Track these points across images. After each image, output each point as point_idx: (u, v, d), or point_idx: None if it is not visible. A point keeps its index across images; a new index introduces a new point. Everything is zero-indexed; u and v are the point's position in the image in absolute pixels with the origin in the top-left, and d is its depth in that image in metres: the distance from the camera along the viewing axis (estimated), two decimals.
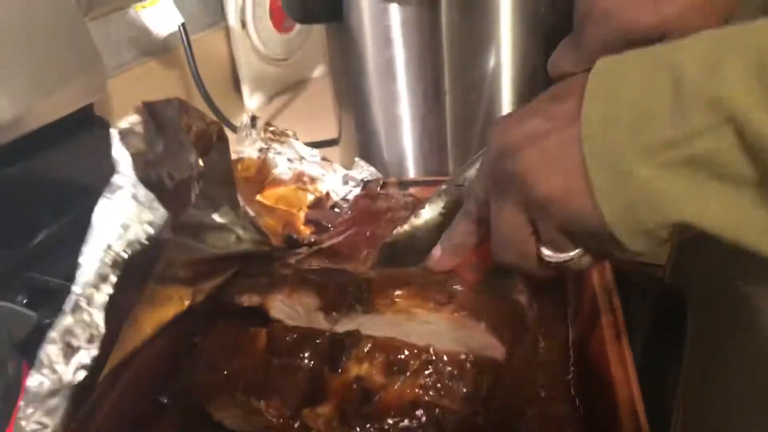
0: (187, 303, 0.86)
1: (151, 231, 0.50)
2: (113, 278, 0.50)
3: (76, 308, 0.49)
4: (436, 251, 0.76)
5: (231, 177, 0.86)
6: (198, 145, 0.76)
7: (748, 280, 0.92)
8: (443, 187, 0.82)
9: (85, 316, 0.50)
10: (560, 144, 0.49)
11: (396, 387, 0.69)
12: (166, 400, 0.79)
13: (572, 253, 0.54)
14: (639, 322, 0.94)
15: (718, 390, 0.95)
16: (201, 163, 0.76)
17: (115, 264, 0.50)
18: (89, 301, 0.49)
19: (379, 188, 1.08)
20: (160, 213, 0.51)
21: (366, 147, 1.22)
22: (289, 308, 0.85)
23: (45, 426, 0.50)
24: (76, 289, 0.50)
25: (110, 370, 0.78)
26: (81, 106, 1.16)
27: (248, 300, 0.89)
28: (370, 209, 1.01)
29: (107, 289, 0.50)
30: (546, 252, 0.55)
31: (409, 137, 1.15)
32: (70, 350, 0.50)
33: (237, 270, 0.97)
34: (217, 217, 0.98)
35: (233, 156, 1.15)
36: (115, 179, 0.51)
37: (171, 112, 0.65)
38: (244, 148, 1.13)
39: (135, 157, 0.52)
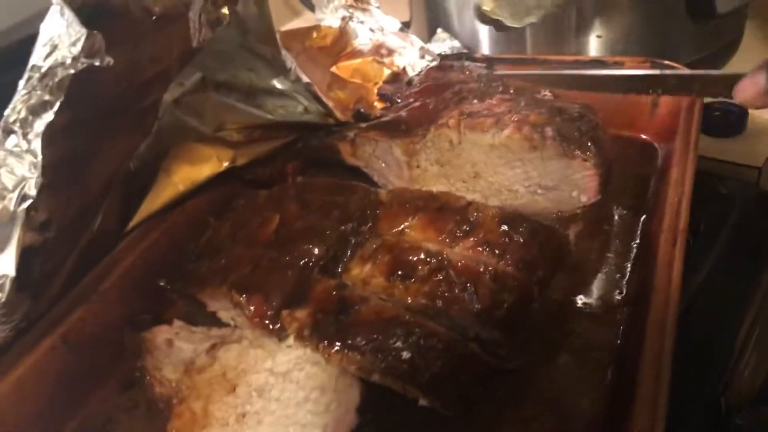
0: (225, 164, 0.80)
1: (77, 52, 0.44)
2: (57, 105, 0.46)
3: (8, 132, 0.46)
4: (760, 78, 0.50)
5: (273, 33, 0.79)
6: None
7: None
8: None
9: (22, 142, 0.46)
10: None
11: (395, 294, 0.59)
12: (163, 284, 0.74)
13: None
14: (723, 226, 0.77)
15: None
16: (226, 11, 0.70)
17: (53, 89, 0.45)
18: (23, 126, 0.45)
19: (458, 62, 0.95)
20: (82, 34, 0.43)
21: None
22: None
23: None
24: (6, 111, 0.46)
25: (139, 223, 0.77)
26: None
27: None
28: (439, 82, 0.89)
29: (49, 117, 0.46)
30: None
31: None
32: (14, 177, 0.47)
33: (293, 140, 0.92)
34: (277, 83, 0.92)
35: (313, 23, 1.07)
36: None
37: None
38: (326, 15, 1.04)
39: None
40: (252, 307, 0.61)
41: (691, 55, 0.89)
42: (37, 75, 0.45)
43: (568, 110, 0.75)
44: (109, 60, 0.45)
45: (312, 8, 1.07)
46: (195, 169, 0.78)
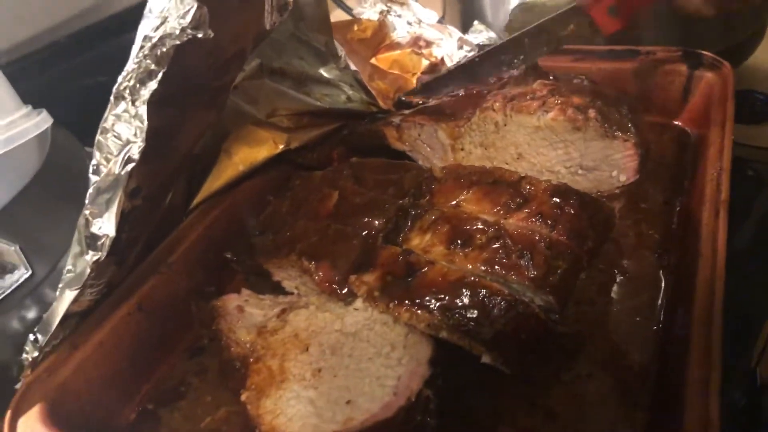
0: (281, 147, 0.84)
1: (185, 23, 0.48)
2: (161, 75, 0.50)
3: (120, 97, 0.50)
4: None
5: (327, 21, 0.83)
6: None
7: None
8: None
9: (130, 108, 0.50)
10: None
11: (456, 261, 0.61)
12: (229, 256, 0.78)
13: None
14: (752, 207, 0.81)
15: None
16: None
17: (160, 59, 0.49)
18: (132, 93, 0.49)
19: None
20: (192, 6, 0.48)
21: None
22: None
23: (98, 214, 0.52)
24: (119, 78, 0.50)
25: (203, 200, 0.81)
26: None
27: None
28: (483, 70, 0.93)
29: (153, 86, 0.50)
30: None
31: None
32: (119, 142, 0.51)
33: (339, 126, 0.96)
34: (324, 72, 0.96)
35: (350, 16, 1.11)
36: None
37: None
38: (365, 9, 1.08)
39: None
40: (321, 273, 0.64)
41: (717, 45, 0.92)
42: (148, 45, 0.48)
43: (607, 94, 0.79)
44: (209, 33, 0.48)
45: (349, 11, 1.12)
46: (254, 151, 0.82)
